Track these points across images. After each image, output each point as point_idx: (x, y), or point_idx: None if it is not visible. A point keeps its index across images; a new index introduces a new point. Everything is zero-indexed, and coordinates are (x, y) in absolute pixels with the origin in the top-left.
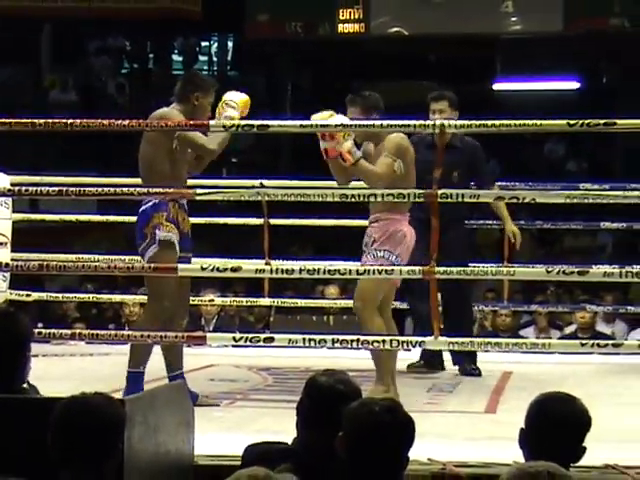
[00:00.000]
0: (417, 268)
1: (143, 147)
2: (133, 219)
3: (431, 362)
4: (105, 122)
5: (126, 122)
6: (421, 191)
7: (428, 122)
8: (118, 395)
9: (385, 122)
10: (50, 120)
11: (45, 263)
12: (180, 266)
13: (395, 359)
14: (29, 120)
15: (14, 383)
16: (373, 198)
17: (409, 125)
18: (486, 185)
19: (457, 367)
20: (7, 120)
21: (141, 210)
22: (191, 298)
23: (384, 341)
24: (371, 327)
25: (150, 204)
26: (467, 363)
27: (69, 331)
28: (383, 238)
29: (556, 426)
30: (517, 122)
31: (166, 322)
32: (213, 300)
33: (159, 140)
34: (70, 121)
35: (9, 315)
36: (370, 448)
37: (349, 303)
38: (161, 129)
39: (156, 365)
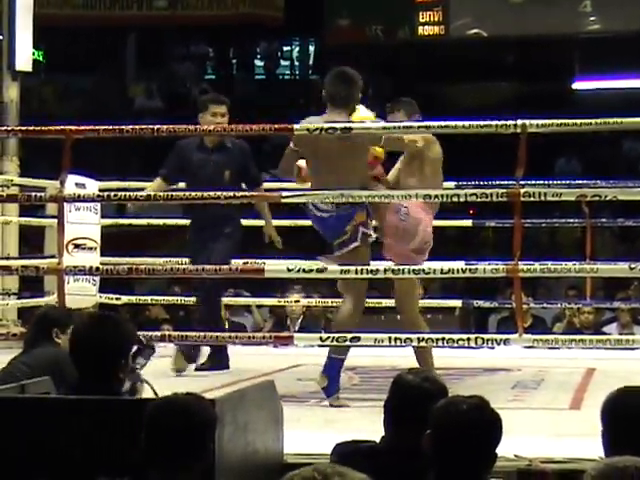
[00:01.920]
0: (501, 266)
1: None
2: None
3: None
4: (191, 127)
5: (211, 127)
6: (504, 190)
7: (509, 122)
8: (209, 395)
9: (467, 123)
10: (137, 126)
11: (134, 267)
12: (266, 267)
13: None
14: (117, 127)
15: (114, 385)
16: (456, 198)
17: (490, 126)
18: (254, 185)
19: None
20: (96, 127)
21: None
22: (277, 299)
23: (469, 339)
24: (419, 327)
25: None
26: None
27: (159, 333)
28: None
29: (632, 419)
30: (597, 120)
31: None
32: (299, 301)
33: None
34: (157, 127)
35: (111, 319)
36: (457, 446)
37: (432, 302)
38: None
39: (244, 366)
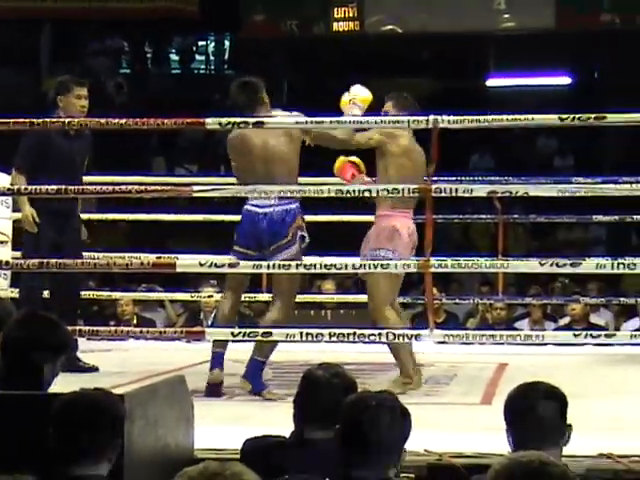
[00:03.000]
0: (413, 262)
1: (286, 145)
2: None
3: None
4: (102, 121)
5: (123, 121)
6: (415, 186)
7: (421, 118)
8: (119, 390)
9: (380, 118)
10: (48, 119)
11: (46, 261)
12: (178, 262)
13: (411, 349)
14: (28, 120)
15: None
16: (368, 193)
17: (403, 121)
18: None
19: None
20: (7, 120)
21: (288, 209)
22: (190, 294)
23: (380, 334)
24: (386, 324)
25: (296, 205)
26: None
27: (70, 328)
28: (379, 237)
29: (532, 414)
30: (509, 117)
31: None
32: (212, 296)
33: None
34: (68, 120)
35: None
36: (366, 441)
37: (346, 298)
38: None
39: (156, 360)
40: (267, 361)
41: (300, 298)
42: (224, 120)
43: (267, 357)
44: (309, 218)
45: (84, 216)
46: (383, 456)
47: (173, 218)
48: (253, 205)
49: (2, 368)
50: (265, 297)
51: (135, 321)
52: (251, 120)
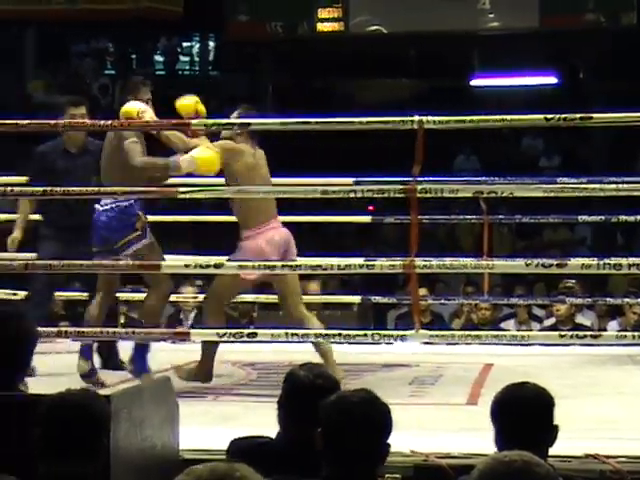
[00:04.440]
0: (398, 262)
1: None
2: None
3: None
4: (88, 122)
5: (109, 122)
6: (401, 187)
7: (407, 118)
8: (104, 391)
9: (365, 119)
10: (34, 121)
11: (30, 262)
12: (164, 263)
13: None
14: (13, 122)
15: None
16: (353, 194)
17: (388, 122)
18: None
19: None
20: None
21: (123, 209)
22: (175, 295)
23: (366, 335)
24: (212, 322)
25: (128, 204)
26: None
27: (55, 329)
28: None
29: (518, 414)
30: (495, 117)
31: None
32: (196, 297)
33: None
34: (54, 122)
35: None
36: (348, 440)
37: (331, 298)
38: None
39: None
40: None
41: None
42: (209, 121)
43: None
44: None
45: None
46: (366, 454)
47: (157, 219)
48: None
49: None
50: (250, 298)
51: (123, 321)
52: (237, 121)
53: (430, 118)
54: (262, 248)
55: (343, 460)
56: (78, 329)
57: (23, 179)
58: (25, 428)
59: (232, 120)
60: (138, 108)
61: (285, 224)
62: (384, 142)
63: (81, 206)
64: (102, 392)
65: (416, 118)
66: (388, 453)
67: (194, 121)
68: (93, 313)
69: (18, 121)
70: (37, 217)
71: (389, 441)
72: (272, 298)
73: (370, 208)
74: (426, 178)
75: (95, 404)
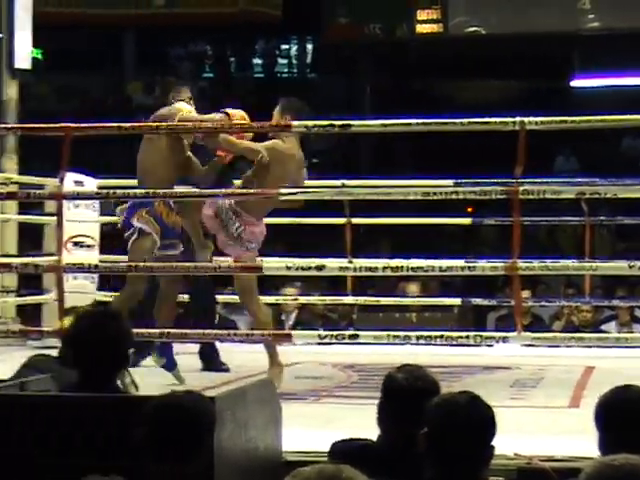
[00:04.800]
0: (500, 264)
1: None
2: None
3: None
4: (189, 125)
5: (209, 125)
6: (502, 188)
7: (508, 120)
8: (209, 393)
9: (466, 120)
10: (136, 124)
11: (134, 264)
12: (266, 265)
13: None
14: (116, 124)
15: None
16: (455, 195)
17: (490, 123)
18: None
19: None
20: (95, 125)
21: (130, 204)
22: (276, 297)
23: (468, 337)
24: (260, 315)
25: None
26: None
27: (157, 330)
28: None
29: (625, 418)
30: (596, 118)
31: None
32: (297, 299)
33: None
34: (155, 124)
35: (108, 316)
36: (454, 442)
37: (431, 300)
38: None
39: (242, 363)
40: None
41: (385, 301)
42: (310, 123)
43: None
44: (395, 221)
45: None
46: (472, 456)
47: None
48: None
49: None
50: (350, 300)
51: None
52: (337, 123)
53: (532, 119)
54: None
55: (447, 462)
56: (180, 331)
57: (126, 182)
58: (127, 428)
59: (333, 122)
60: (190, 109)
61: (384, 226)
62: (479, 143)
63: None
64: (207, 393)
65: (518, 119)
66: (492, 456)
67: (295, 122)
68: (122, 305)
69: (120, 124)
70: None
71: (493, 444)
72: (372, 300)
73: (469, 210)
74: (528, 179)
75: (200, 405)
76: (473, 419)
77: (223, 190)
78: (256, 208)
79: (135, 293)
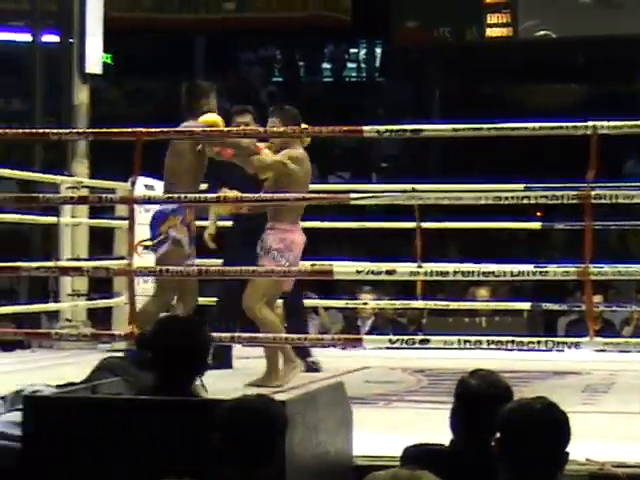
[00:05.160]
0: (572, 269)
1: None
2: None
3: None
4: (261, 130)
5: (281, 129)
6: (574, 192)
7: (580, 124)
8: (279, 397)
9: (538, 125)
10: (207, 129)
11: (204, 268)
12: (336, 269)
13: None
14: (187, 129)
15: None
16: (526, 200)
17: (561, 127)
18: None
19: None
20: (166, 129)
21: (159, 210)
22: (347, 301)
23: (539, 342)
24: (265, 322)
25: (171, 207)
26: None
27: (229, 334)
28: (279, 245)
29: None
30: None
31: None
32: (367, 303)
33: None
34: (226, 129)
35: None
36: (529, 447)
37: (500, 305)
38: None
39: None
40: None
41: (455, 305)
42: (382, 128)
43: None
44: (465, 225)
45: None
46: (547, 461)
47: (327, 225)
48: None
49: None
50: (420, 304)
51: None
52: (409, 127)
53: (604, 123)
54: (292, 244)
55: (522, 467)
56: (251, 335)
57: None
58: (202, 431)
59: (404, 127)
60: (220, 119)
61: (452, 229)
62: (546, 146)
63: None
64: (278, 397)
65: (590, 123)
66: (566, 461)
67: (367, 128)
68: (150, 317)
69: (192, 128)
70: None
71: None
72: (442, 305)
73: (539, 214)
74: (598, 183)
75: (272, 409)
76: (549, 424)
77: (288, 195)
78: (289, 214)
79: (166, 303)
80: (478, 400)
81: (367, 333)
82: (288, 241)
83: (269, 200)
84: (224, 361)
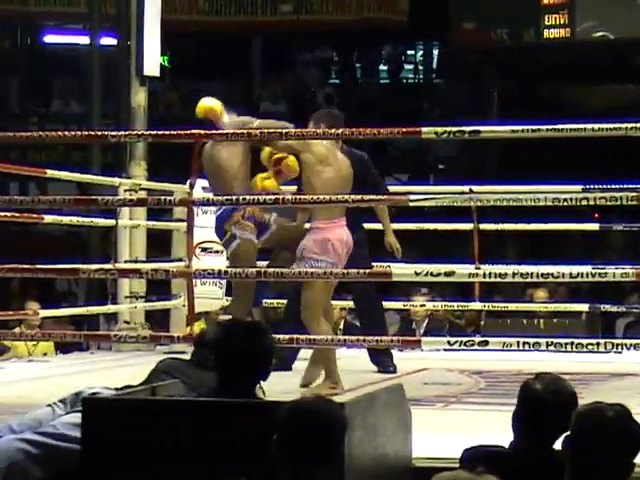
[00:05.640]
0: (631, 270)
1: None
2: None
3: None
4: (319, 131)
5: (339, 131)
6: (634, 194)
7: (638, 125)
8: (337, 398)
9: (596, 126)
10: (266, 130)
11: (263, 271)
12: (394, 271)
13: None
14: (244, 131)
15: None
16: (585, 201)
17: (621, 128)
18: (382, 190)
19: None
20: (224, 132)
21: (222, 209)
22: (402, 302)
23: (599, 344)
24: (319, 332)
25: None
26: (384, 362)
27: (287, 336)
28: (315, 250)
29: None
30: None
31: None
32: (424, 305)
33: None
34: (285, 131)
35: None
36: (599, 452)
37: (559, 307)
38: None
39: (369, 368)
40: None
41: (513, 307)
42: (440, 129)
43: None
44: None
45: None
46: (613, 468)
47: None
48: None
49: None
50: (478, 306)
51: (342, 327)
52: (467, 129)
53: None
54: (329, 242)
55: (589, 472)
56: (308, 337)
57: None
58: (262, 433)
59: (462, 128)
60: (218, 103)
61: (510, 230)
62: (602, 147)
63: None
64: (337, 399)
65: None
66: (633, 469)
67: (424, 129)
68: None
69: (250, 130)
70: None
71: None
72: (500, 306)
73: (596, 215)
74: None
75: (331, 411)
76: (622, 431)
77: (347, 196)
78: (322, 211)
79: (249, 301)
80: (542, 405)
81: (422, 335)
82: (323, 241)
83: (328, 202)
84: (284, 363)
